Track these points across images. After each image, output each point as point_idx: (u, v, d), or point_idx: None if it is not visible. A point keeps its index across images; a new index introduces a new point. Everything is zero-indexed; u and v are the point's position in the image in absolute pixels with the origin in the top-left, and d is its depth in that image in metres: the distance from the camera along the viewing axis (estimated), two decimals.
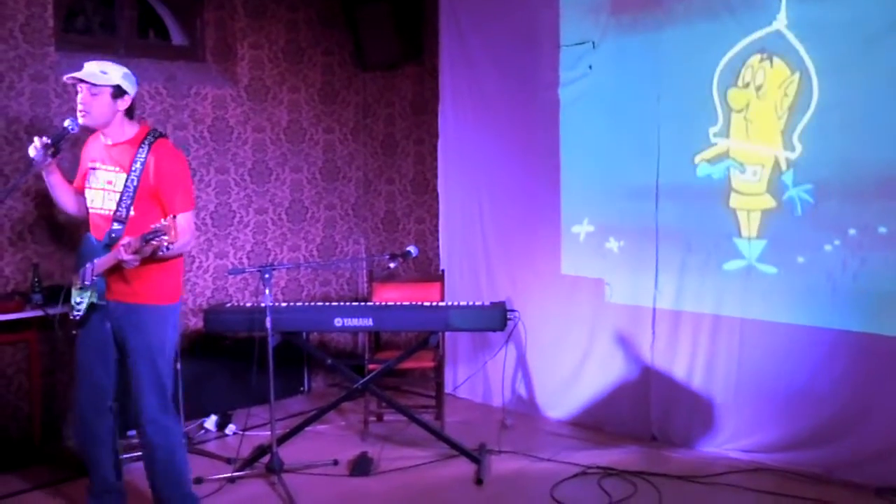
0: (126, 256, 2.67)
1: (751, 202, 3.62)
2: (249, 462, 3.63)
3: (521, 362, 4.46)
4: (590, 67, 4.10)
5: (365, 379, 3.81)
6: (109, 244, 2.81)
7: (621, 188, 4.03)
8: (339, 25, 5.06)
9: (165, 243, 2.59)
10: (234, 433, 4.13)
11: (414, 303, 3.88)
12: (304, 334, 4.13)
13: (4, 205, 3.75)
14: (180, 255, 2.98)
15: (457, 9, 4.64)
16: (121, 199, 2.83)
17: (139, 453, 3.65)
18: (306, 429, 3.86)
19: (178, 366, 3.27)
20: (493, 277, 4.58)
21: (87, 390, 2.95)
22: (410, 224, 5.11)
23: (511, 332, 3.91)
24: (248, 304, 3.94)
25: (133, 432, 3.88)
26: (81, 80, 2.81)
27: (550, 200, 4.30)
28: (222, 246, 4.67)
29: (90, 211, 2.94)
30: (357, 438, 4.07)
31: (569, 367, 4.25)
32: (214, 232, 4.63)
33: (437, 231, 4.90)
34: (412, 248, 3.79)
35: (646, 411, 3.98)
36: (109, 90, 2.81)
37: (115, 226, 2.83)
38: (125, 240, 2.72)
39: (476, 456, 3.67)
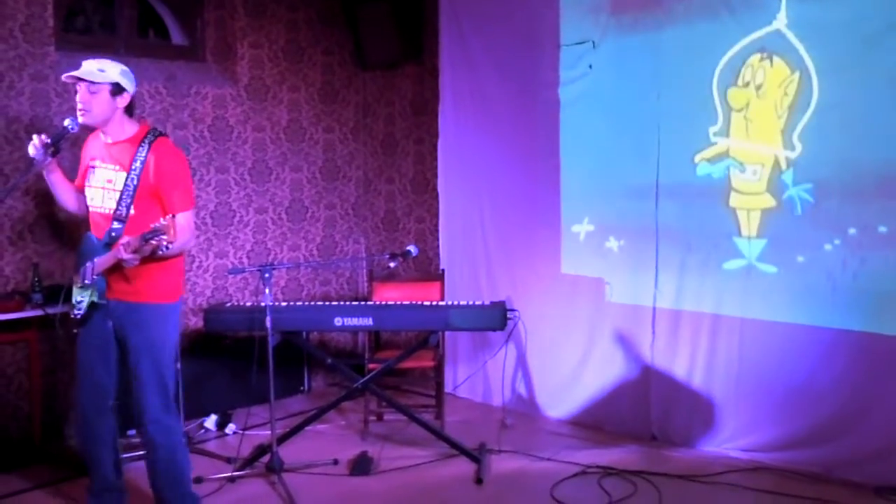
0: (126, 256, 2.67)
1: (751, 201, 3.62)
2: (249, 461, 3.63)
3: (521, 362, 4.47)
4: (590, 67, 4.11)
5: (365, 378, 3.82)
6: (109, 243, 2.81)
7: (621, 187, 4.03)
8: (339, 25, 5.06)
9: (165, 242, 2.59)
10: (234, 432, 4.13)
11: (414, 302, 3.89)
12: (304, 334, 4.13)
13: (4, 204, 3.75)
14: (181, 254, 2.98)
15: (457, 8, 4.64)
16: (121, 198, 2.83)
17: (139, 453, 3.68)
18: (306, 428, 3.86)
19: (178, 365, 3.27)
20: (493, 277, 4.58)
21: (87, 389, 2.95)
22: (410, 223, 5.11)
23: (511, 331, 3.91)
24: (248, 304, 3.94)
25: (133, 431, 3.90)
26: (79, 79, 2.81)
27: (550, 200, 4.30)
28: (222, 245, 4.67)
29: (90, 209, 2.94)
30: (357, 438, 4.08)
31: (569, 367, 4.25)
32: (214, 231, 4.63)
33: (437, 230, 4.90)
34: (412, 248, 3.79)
35: (646, 411, 3.98)
36: (108, 87, 2.81)
37: (115, 224, 2.83)
38: (124, 239, 2.72)
39: (476, 455, 3.67)
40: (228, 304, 4.05)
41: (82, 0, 4.46)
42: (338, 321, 3.70)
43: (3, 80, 3.83)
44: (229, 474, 3.51)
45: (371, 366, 4.00)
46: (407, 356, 3.93)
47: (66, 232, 4.01)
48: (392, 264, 3.79)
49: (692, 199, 3.78)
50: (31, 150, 2.87)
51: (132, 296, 2.86)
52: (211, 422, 4.20)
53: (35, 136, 2.87)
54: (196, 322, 4.44)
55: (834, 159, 3.35)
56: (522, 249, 4.45)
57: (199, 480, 3.39)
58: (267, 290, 3.38)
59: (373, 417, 4.23)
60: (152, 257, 2.71)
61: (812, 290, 3.44)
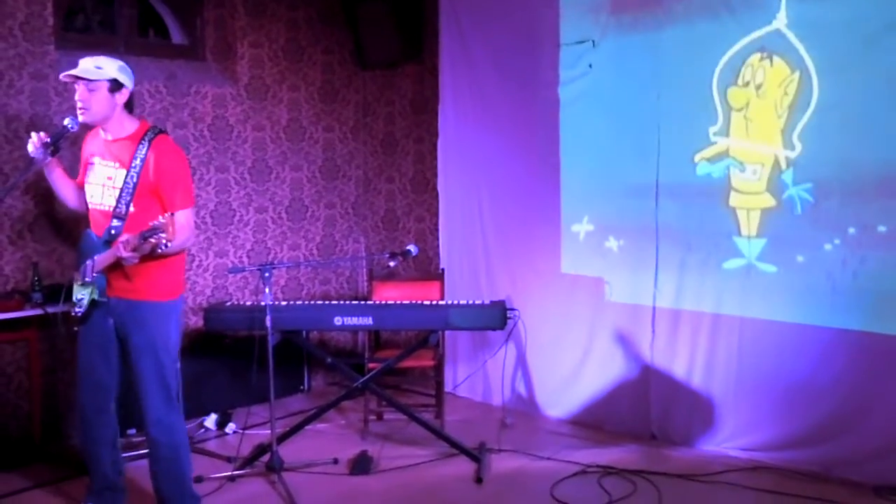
0: (125, 254, 2.67)
1: (750, 201, 3.62)
2: (249, 461, 3.64)
3: (521, 361, 4.47)
4: (590, 66, 4.11)
5: (365, 378, 3.82)
6: (109, 240, 2.81)
7: (621, 187, 4.03)
8: (339, 24, 5.06)
9: (164, 240, 2.58)
10: (235, 432, 4.13)
11: (414, 301, 3.89)
12: (304, 333, 4.14)
13: (4, 203, 3.75)
14: (181, 252, 2.98)
15: (457, 7, 4.64)
16: (120, 196, 2.83)
17: (139, 452, 3.68)
18: (306, 427, 3.86)
19: (178, 365, 3.26)
20: (492, 276, 4.59)
21: (88, 388, 2.96)
22: (410, 223, 5.11)
23: (511, 330, 3.92)
24: (248, 303, 3.94)
25: (133, 431, 3.90)
26: (77, 77, 2.80)
27: (550, 199, 4.31)
28: (222, 245, 4.67)
29: (90, 206, 2.95)
30: (357, 437, 4.08)
31: (568, 366, 4.25)
32: (214, 231, 4.63)
33: (436, 230, 4.90)
34: (412, 247, 3.79)
35: (645, 410, 3.98)
36: (106, 84, 2.81)
37: (115, 222, 2.83)
38: (123, 237, 2.72)
39: (476, 454, 3.67)
40: (228, 304, 4.05)
41: None
42: (338, 320, 3.70)
43: (2, 78, 3.82)
44: (229, 473, 3.51)
45: (371, 365, 4.00)
46: (407, 355, 3.93)
47: (65, 231, 4.00)
48: (392, 263, 3.80)
49: (692, 198, 3.78)
50: (30, 148, 2.87)
51: (132, 293, 2.86)
52: (211, 421, 4.20)
53: (34, 134, 2.87)
54: (196, 321, 4.44)
55: (834, 159, 3.35)
56: (522, 249, 4.45)
57: (199, 480, 3.39)
58: (267, 290, 3.38)
59: (373, 417, 4.24)
60: (152, 255, 2.71)
61: (812, 290, 3.44)
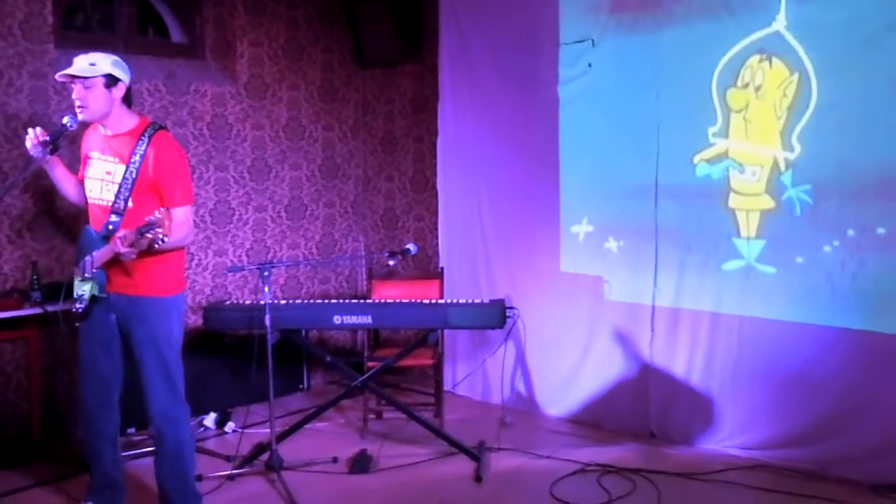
0: (122, 249, 2.67)
1: (750, 202, 3.63)
2: (249, 460, 3.64)
3: (521, 360, 4.47)
4: (589, 65, 4.11)
5: (364, 377, 3.82)
6: (107, 236, 2.82)
7: (620, 188, 4.04)
8: (338, 23, 5.06)
9: (160, 235, 2.58)
10: (234, 431, 4.13)
11: (413, 300, 3.89)
12: (304, 332, 4.13)
13: (3, 202, 3.75)
14: (181, 249, 2.98)
15: (457, 6, 4.64)
16: (119, 191, 2.83)
17: (139, 450, 3.70)
18: (306, 426, 3.87)
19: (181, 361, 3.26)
20: (492, 275, 4.59)
21: (91, 384, 2.96)
22: (410, 222, 5.12)
23: (510, 329, 3.92)
24: (248, 302, 3.94)
25: (132, 429, 3.91)
26: (73, 77, 2.80)
27: (549, 198, 4.31)
28: (221, 243, 4.67)
29: (89, 201, 2.95)
30: (356, 436, 4.08)
31: (568, 365, 4.26)
32: (214, 229, 4.63)
33: (436, 229, 4.91)
34: (411, 246, 3.79)
35: (645, 408, 3.99)
36: (102, 80, 2.80)
37: (113, 217, 2.83)
38: (121, 232, 2.71)
39: (475, 453, 3.68)
40: (228, 303, 4.06)
41: None
42: (337, 319, 3.70)
43: (2, 77, 3.82)
44: (229, 472, 3.52)
45: (370, 364, 4.01)
46: (406, 354, 3.94)
47: (64, 229, 4.00)
48: (391, 262, 3.80)
49: (691, 199, 3.78)
50: (28, 144, 2.87)
51: (132, 289, 2.87)
52: (210, 420, 4.21)
53: (31, 130, 2.87)
54: (195, 320, 4.44)
55: (833, 160, 3.36)
56: (522, 248, 4.46)
57: (199, 478, 3.38)
58: (266, 289, 3.38)
59: (372, 415, 4.24)
60: (150, 251, 2.71)
61: (811, 291, 3.45)
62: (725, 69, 3.64)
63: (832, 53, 3.33)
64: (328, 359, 3.93)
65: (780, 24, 3.46)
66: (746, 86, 3.59)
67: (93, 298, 2.85)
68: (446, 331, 4.36)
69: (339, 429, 4.21)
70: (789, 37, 3.44)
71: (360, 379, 3.80)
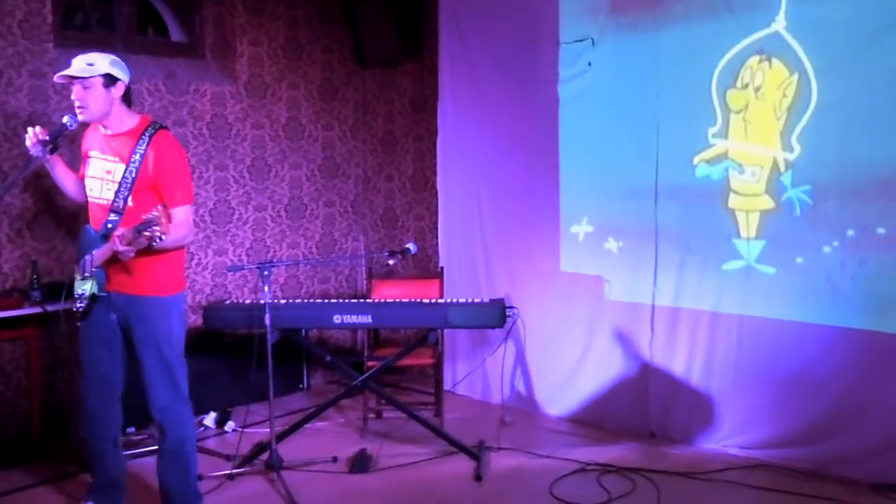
0: (121, 248, 2.67)
1: (749, 203, 3.63)
2: (249, 459, 3.64)
3: (520, 359, 4.48)
4: (589, 64, 4.11)
5: (364, 376, 3.82)
6: (106, 235, 2.82)
7: (620, 188, 4.04)
8: (338, 22, 5.06)
9: (158, 233, 2.58)
10: (234, 430, 4.13)
11: (413, 300, 3.90)
12: (304, 331, 4.13)
13: (3, 202, 3.74)
14: (182, 248, 2.98)
15: (456, 6, 4.64)
16: (118, 190, 2.83)
17: (139, 450, 3.70)
18: (305, 426, 3.87)
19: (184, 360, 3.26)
20: (492, 274, 4.59)
21: (93, 382, 2.97)
22: (409, 221, 5.12)
23: (510, 329, 3.92)
24: (248, 301, 3.95)
25: (132, 429, 3.90)
26: (72, 77, 2.80)
27: (549, 198, 4.31)
28: (221, 243, 4.67)
29: (89, 200, 2.96)
30: (356, 435, 4.08)
31: (568, 364, 4.26)
32: (213, 229, 4.63)
33: (436, 228, 4.91)
34: (411, 245, 3.79)
35: (645, 408, 3.99)
36: (100, 80, 2.80)
37: (112, 216, 2.84)
38: (119, 231, 2.72)
39: (475, 453, 3.68)
40: (228, 302, 4.06)
41: None
42: (337, 319, 3.70)
43: (1, 76, 3.82)
44: (229, 472, 3.52)
45: (370, 363, 4.01)
46: (406, 354, 3.94)
47: (64, 228, 4.00)
48: (391, 262, 3.81)
49: (691, 200, 3.79)
50: (28, 144, 2.87)
51: (132, 288, 2.87)
52: (210, 419, 4.21)
53: (30, 129, 2.87)
54: (195, 319, 4.43)
55: (832, 161, 3.36)
56: (521, 247, 4.46)
57: (199, 478, 3.37)
58: (266, 288, 3.38)
59: (372, 415, 4.24)
60: (150, 250, 2.71)
61: (811, 292, 3.45)
62: (725, 70, 3.64)
63: (832, 54, 3.34)
64: (328, 358, 3.93)
65: (779, 24, 3.46)
66: (746, 86, 3.60)
67: (92, 297, 2.85)
68: (446, 330, 4.35)
69: (338, 428, 4.22)
70: (789, 37, 3.45)
71: (360, 378, 3.81)
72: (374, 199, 5.27)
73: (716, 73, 3.67)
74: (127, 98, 2.90)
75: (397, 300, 3.90)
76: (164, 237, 2.61)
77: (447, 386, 4.64)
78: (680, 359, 3.89)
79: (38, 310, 3.64)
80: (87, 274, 2.85)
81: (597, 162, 4.13)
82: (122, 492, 3.11)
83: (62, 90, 3.92)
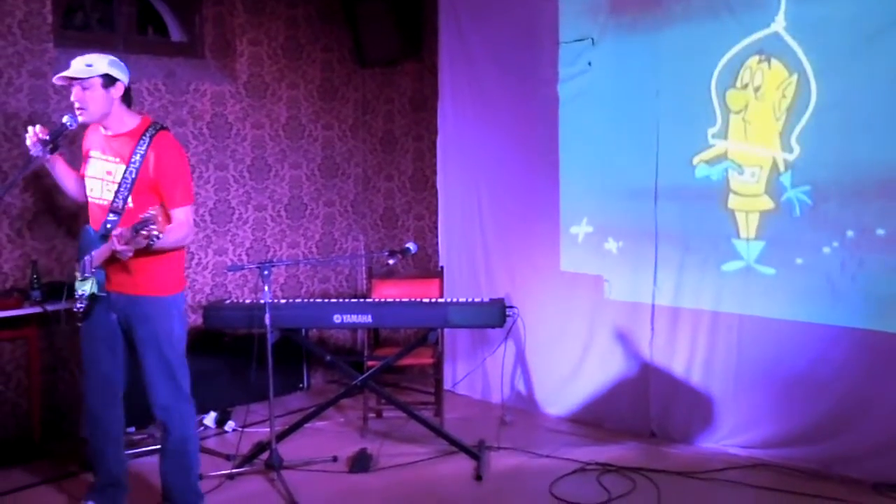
0: (118, 247, 2.68)
1: (749, 203, 3.63)
2: (249, 459, 3.64)
3: (521, 359, 4.48)
4: (589, 64, 4.11)
5: (364, 375, 3.82)
6: (105, 235, 2.83)
7: (620, 189, 4.04)
8: (338, 22, 5.06)
9: (154, 232, 2.59)
10: (234, 430, 4.14)
11: (413, 299, 3.89)
12: (304, 331, 4.13)
13: (3, 201, 3.75)
14: (181, 249, 2.98)
15: (456, 5, 4.64)
16: (118, 190, 2.84)
17: (140, 449, 3.70)
18: (305, 425, 3.87)
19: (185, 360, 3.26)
20: (492, 274, 4.59)
21: (95, 382, 2.97)
22: (409, 221, 5.12)
23: (510, 328, 3.92)
24: (248, 301, 3.94)
25: (132, 429, 3.90)
26: (71, 79, 2.80)
27: (549, 197, 4.31)
28: (221, 242, 4.67)
29: (89, 200, 2.96)
30: (356, 435, 4.09)
31: (568, 364, 4.26)
32: (213, 228, 4.63)
33: (436, 228, 4.91)
34: (411, 245, 3.79)
35: (645, 407, 3.99)
36: (99, 81, 2.80)
37: (111, 216, 2.84)
38: (117, 230, 2.72)
39: (475, 452, 3.68)
40: (228, 302, 4.06)
41: None
42: (337, 318, 3.70)
43: (1, 76, 3.82)
44: (229, 471, 3.52)
45: (370, 363, 4.01)
46: (406, 353, 3.94)
47: (64, 228, 4.00)
48: (391, 261, 3.81)
49: (691, 201, 3.78)
50: (28, 143, 2.87)
51: (132, 288, 2.88)
52: (210, 419, 4.21)
53: (30, 128, 2.87)
54: (195, 319, 4.43)
55: (832, 161, 3.36)
56: (521, 246, 4.46)
57: (199, 477, 3.38)
58: (266, 288, 3.38)
59: (372, 414, 4.24)
60: (149, 250, 2.71)
61: (810, 292, 3.45)
62: (725, 70, 3.64)
63: (831, 54, 3.33)
64: (328, 358, 3.93)
65: (779, 24, 3.46)
66: (746, 87, 3.59)
67: (92, 297, 2.86)
68: (446, 330, 4.35)
69: (338, 428, 4.22)
70: (788, 38, 3.44)
71: (360, 378, 3.81)
72: (374, 199, 5.27)
73: (715, 73, 3.67)
74: (127, 98, 2.90)
75: (397, 300, 3.90)
76: (160, 236, 2.62)
77: (447, 385, 4.64)
78: (680, 358, 3.89)
79: (38, 310, 3.65)
80: (86, 274, 2.86)
81: (596, 162, 4.13)
82: (123, 491, 3.11)
83: (62, 90, 3.91)
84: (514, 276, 4.49)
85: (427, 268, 4.90)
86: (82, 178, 3.01)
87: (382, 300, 3.89)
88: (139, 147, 2.83)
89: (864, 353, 3.32)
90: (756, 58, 3.55)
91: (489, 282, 4.58)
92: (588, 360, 4.20)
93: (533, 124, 4.35)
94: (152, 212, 2.60)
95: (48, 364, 3.93)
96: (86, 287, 2.86)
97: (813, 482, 3.32)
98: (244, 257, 4.75)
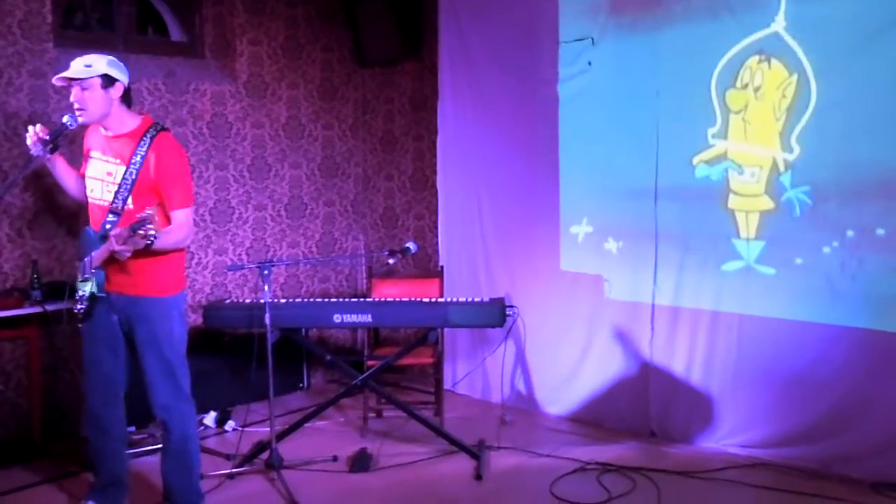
0: (116, 247, 2.68)
1: (749, 203, 3.63)
2: (249, 458, 3.64)
3: (520, 358, 4.48)
4: (589, 63, 4.11)
5: (364, 375, 3.83)
6: (104, 235, 2.83)
7: (620, 189, 4.04)
8: (338, 22, 5.06)
9: (151, 232, 2.59)
10: (234, 429, 4.14)
11: (413, 299, 3.89)
12: (304, 331, 4.13)
13: (3, 201, 3.75)
14: (181, 250, 2.99)
15: (456, 5, 4.64)
16: (118, 191, 2.84)
17: (141, 449, 3.70)
18: (305, 425, 3.87)
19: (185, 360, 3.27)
20: (491, 273, 4.60)
21: (97, 382, 2.98)
22: (409, 220, 5.12)
23: (510, 328, 3.92)
24: (248, 301, 3.94)
25: (132, 428, 3.90)
26: (70, 79, 2.80)
27: (549, 197, 4.31)
28: (221, 242, 4.67)
29: (89, 200, 2.97)
30: (356, 434, 4.09)
31: (568, 363, 4.26)
32: (213, 228, 4.63)
33: (436, 227, 4.91)
34: (411, 245, 3.79)
35: (645, 407, 4.00)
36: (98, 81, 2.81)
37: (111, 217, 2.85)
38: (115, 231, 2.73)
39: (475, 452, 3.68)
40: (228, 301, 4.06)
41: None
42: (337, 318, 3.70)
43: (1, 76, 3.82)
44: (229, 471, 3.52)
45: (370, 362, 4.01)
46: (406, 353, 3.94)
47: (65, 228, 4.00)
48: (391, 261, 3.81)
49: (691, 201, 3.79)
50: (28, 142, 2.87)
51: (132, 289, 2.88)
52: (210, 418, 4.21)
53: (31, 128, 2.87)
54: (195, 319, 4.43)
55: (832, 161, 3.36)
56: (521, 246, 4.46)
57: (199, 477, 3.39)
58: (266, 287, 3.38)
59: (372, 414, 4.24)
60: (147, 251, 2.71)
61: (810, 292, 3.45)
62: (725, 70, 3.64)
63: (831, 54, 3.34)
64: (328, 357, 3.93)
65: (779, 24, 3.46)
66: (745, 87, 3.60)
67: (92, 298, 2.86)
68: (446, 329, 4.35)
69: (339, 427, 4.22)
70: (788, 38, 3.45)
71: (360, 377, 3.81)
72: (374, 199, 5.27)
73: (715, 73, 3.67)
74: (127, 98, 2.90)
75: (397, 299, 3.90)
76: (157, 235, 2.62)
77: (447, 385, 4.64)
78: (680, 358, 3.89)
79: (38, 309, 3.65)
80: (86, 275, 2.86)
81: (596, 162, 4.13)
82: (124, 491, 3.12)
83: (62, 90, 3.88)
84: (513, 276, 4.49)
85: (427, 267, 4.90)
86: (83, 177, 3.01)
87: (382, 300, 3.89)
88: (139, 148, 2.83)
89: (864, 353, 3.32)
90: (756, 58, 3.55)
91: (489, 281, 4.58)
92: (588, 359, 4.20)
93: (533, 124, 4.35)
94: (149, 211, 2.60)
95: (48, 364, 3.93)
96: (86, 288, 2.87)
97: (812, 481, 3.32)
98: (244, 257, 4.75)
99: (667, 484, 3.37)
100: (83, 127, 2.98)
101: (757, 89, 3.56)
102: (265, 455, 3.55)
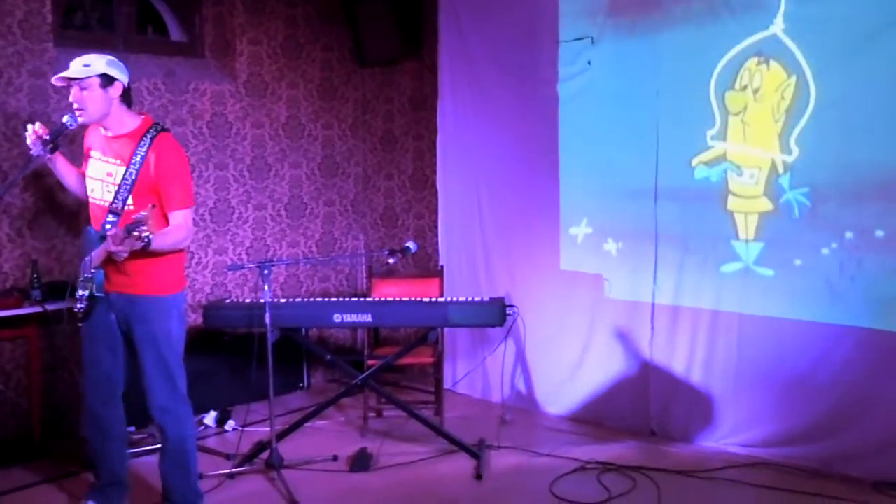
0: (113, 248, 2.68)
1: (748, 205, 3.63)
2: (249, 458, 3.65)
3: (521, 358, 4.48)
4: (588, 63, 4.11)
5: (364, 375, 3.83)
6: (104, 235, 2.83)
7: (620, 190, 4.04)
8: (338, 21, 5.06)
9: (145, 233, 2.59)
10: (234, 429, 4.14)
11: (413, 299, 3.89)
12: (304, 330, 4.13)
13: (3, 201, 3.75)
14: (181, 251, 2.99)
15: (456, 4, 4.64)
16: (118, 192, 2.84)
17: (140, 448, 3.70)
18: (306, 425, 3.87)
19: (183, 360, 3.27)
20: (491, 273, 4.60)
21: (96, 382, 2.98)
22: (409, 220, 5.12)
23: (510, 327, 3.92)
24: (248, 300, 3.95)
25: (132, 428, 3.90)
26: (69, 79, 2.80)
27: (549, 196, 4.31)
28: (221, 242, 4.67)
29: (90, 200, 2.97)
30: (356, 434, 4.09)
31: (568, 363, 4.27)
32: (213, 228, 4.63)
33: (436, 227, 4.91)
34: (411, 244, 3.79)
35: (645, 406, 4.00)
36: (97, 81, 2.81)
37: (110, 217, 2.85)
38: (112, 231, 2.73)
39: (475, 451, 3.69)
40: (228, 301, 4.07)
41: None
42: (337, 318, 3.70)
43: (1, 76, 3.82)
44: (229, 471, 3.52)
45: (370, 362, 4.01)
46: (406, 353, 3.95)
47: (65, 228, 4.00)
48: (391, 261, 3.81)
49: (690, 202, 3.79)
50: (28, 141, 2.87)
51: (130, 288, 2.88)
52: (210, 418, 4.21)
53: (30, 126, 2.87)
54: (195, 318, 4.43)
55: (831, 163, 3.36)
56: (521, 246, 4.47)
57: (199, 477, 3.39)
58: (266, 287, 3.38)
59: (372, 414, 4.25)
60: (145, 252, 2.71)
61: (809, 293, 3.45)
62: (724, 71, 3.64)
63: (829, 55, 3.34)
64: (328, 357, 3.93)
65: (777, 27, 3.46)
66: (744, 88, 3.60)
67: (91, 297, 2.86)
68: (446, 329, 4.36)
69: (339, 427, 4.22)
70: (787, 39, 3.45)
71: (360, 377, 3.81)
72: (374, 198, 5.28)
73: (714, 74, 3.67)
74: (126, 98, 2.90)
75: (397, 299, 3.90)
76: (151, 237, 2.61)
77: (447, 385, 4.64)
78: (680, 357, 3.89)
79: (38, 309, 3.65)
80: (86, 275, 2.87)
81: (596, 162, 4.13)
82: (125, 490, 3.12)
83: (62, 90, 3.86)
84: (514, 275, 4.49)
85: (427, 267, 4.90)
86: (83, 175, 3.01)
87: (382, 299, 3.90)
88: (139, 148, 2.84)
89: (865, 352, 3.33)
90: (755, 59, 3.55)
91: (489, 281, 4.59)
92: (588, 358, 4.20)
93: (533, 123, 4.35)
94: (144, 213, 2.60)
95: (48, 364, 3.93)
96: (86, 288, 2.87)
97: (813, 481, 3.33)
98: (244, 256, 4.75)
99: (667, 483, 3.37)
100: (83, 127, 2.98)
101: (756, 91, 3.56)
102: (265, 455, 3.55)
